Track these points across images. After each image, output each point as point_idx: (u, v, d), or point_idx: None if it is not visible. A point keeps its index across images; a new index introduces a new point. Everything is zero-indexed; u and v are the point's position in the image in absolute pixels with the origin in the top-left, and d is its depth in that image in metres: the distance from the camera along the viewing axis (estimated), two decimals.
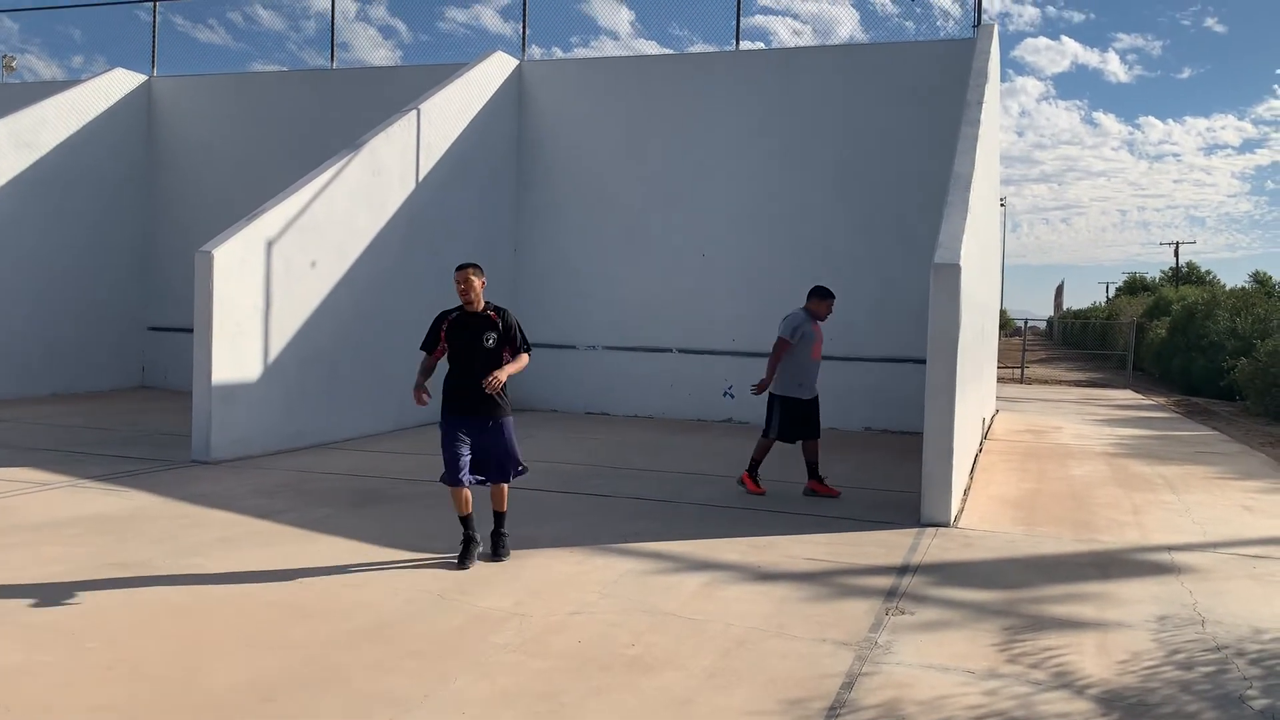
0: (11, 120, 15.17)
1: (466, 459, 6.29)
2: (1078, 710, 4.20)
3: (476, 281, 6.41)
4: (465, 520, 6.39)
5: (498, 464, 6.45)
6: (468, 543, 6.34)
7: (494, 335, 6.37)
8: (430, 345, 6.60)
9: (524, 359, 6.45)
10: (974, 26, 13.85)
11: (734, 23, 15.12)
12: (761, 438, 9.04)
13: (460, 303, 6.52)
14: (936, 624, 5.35)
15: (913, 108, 13.98)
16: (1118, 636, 5.19)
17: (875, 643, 4.99)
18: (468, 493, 6.36)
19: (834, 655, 4.81)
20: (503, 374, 6.24)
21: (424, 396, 6.50)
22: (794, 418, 8.89)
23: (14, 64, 20.81)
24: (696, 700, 4.24)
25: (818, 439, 9.02)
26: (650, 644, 4.90)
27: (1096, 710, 4.21)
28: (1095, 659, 4.84)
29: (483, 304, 6.52)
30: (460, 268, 6.45)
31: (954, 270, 7.75)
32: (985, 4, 13.80)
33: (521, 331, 6.52)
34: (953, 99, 12.72)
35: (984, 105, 10.70)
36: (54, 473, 9.06)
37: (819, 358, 9.03)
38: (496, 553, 6.45)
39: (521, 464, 6.59)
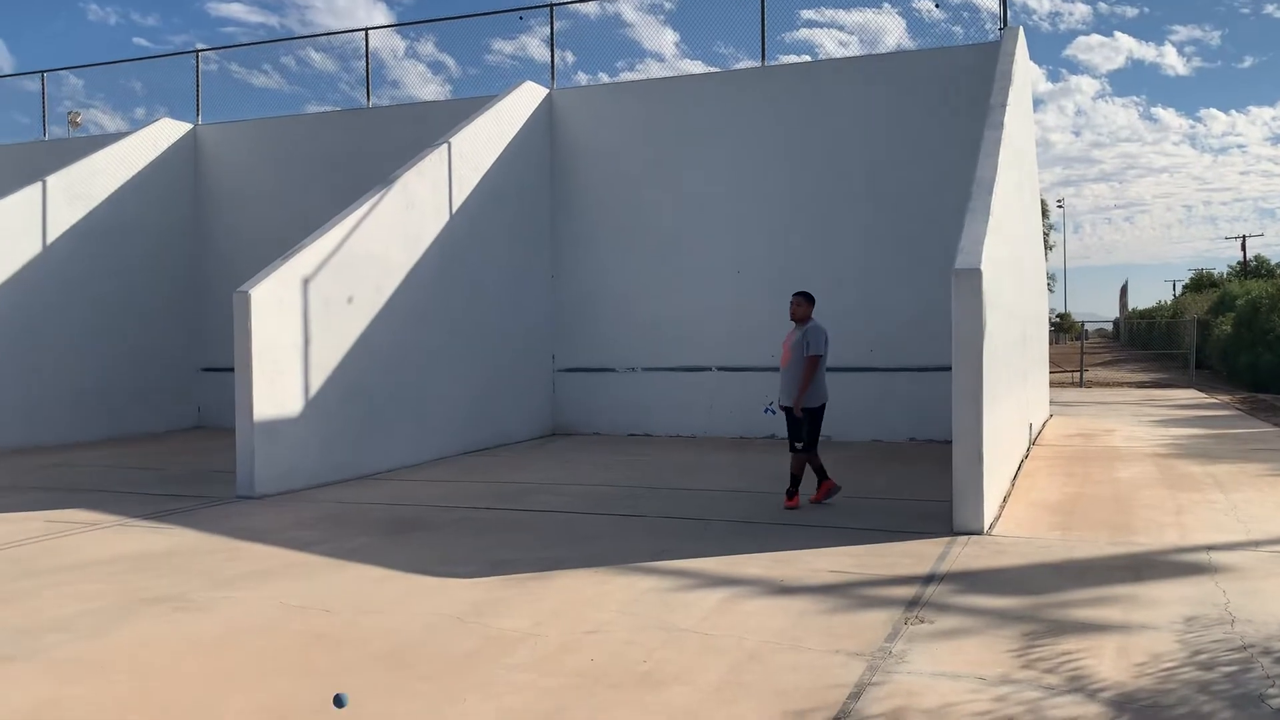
0: (65, 174, 15.75)
1: None
2: (1087, 714, 4.13)
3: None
4: None
5: None
6: None
7: None
8: None
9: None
10: (1000, 30, 13.74)
11: (771, 39, 15.31)
12: (793, 451, 9.04)
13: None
14: (955, 631, 5.30)
15: (944, 114, 13.91)
16: (1140, 639, 5.09)
17: (889, 652, 4.96)
18: None
19: (845, 666, 4.78)
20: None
21: None
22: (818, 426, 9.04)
23: (79, 119, 21.53)
24: (701, 714, 4.25)
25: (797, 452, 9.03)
26: (662, 660, 4.92)
27: (1106, 714, 4.13)
28: (1113, 662, 4.75)
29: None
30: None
31: (975, 275, 7.69)
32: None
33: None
34: (982, 103, 12.61)
35: (1008, 108, 10.61)
36: (103, 513, 9.33)
37: (784, 364, 9.08)
38: None
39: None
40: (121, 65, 21.02)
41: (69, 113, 21.55)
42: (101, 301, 16.12)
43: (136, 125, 18.90)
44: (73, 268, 15.68)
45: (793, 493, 8.96)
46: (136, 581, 6.74)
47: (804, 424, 8.90)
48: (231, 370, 10.35)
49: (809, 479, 9.22)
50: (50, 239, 15.40)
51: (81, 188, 15.95)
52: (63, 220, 15.61)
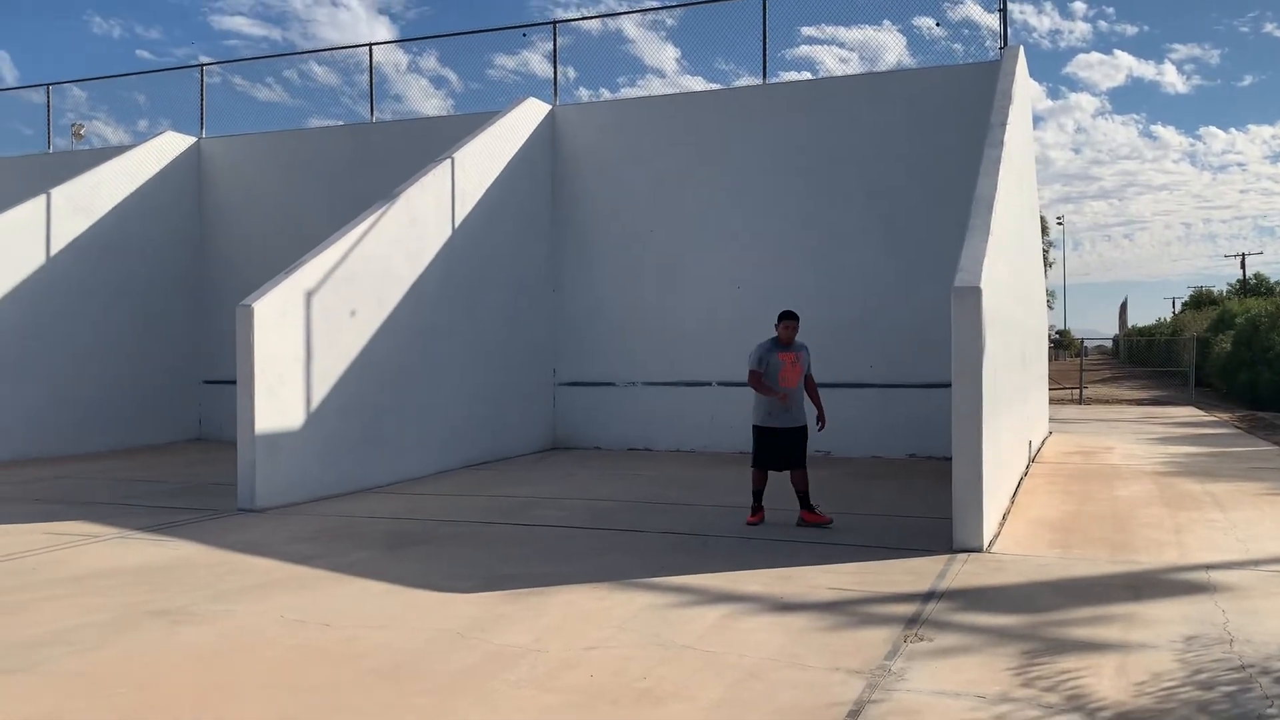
0: (68, 186, 15.81)
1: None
2: None
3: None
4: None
5: None
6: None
7: None
8: None
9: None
10: (1000, 48, 13.82)
11: (768, 55, 15.30)
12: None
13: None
14: (954, 649, 5.31)
15: (944, 132, 13.97)
16: (1140, 658, 5.11)
17: (889, 670, 4.96)
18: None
19: (845, 684, 4.79)
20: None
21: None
22: (766, 446, 8.95)
23: (83, 131, 21.58)
24: None
25: (801, 469, 8.96)
26: (661, 677, 4.93)
27: None
28: (1113, 681, 4.76)
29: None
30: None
31: (975, 293, 7.72)
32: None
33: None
34: (982, 121, 12.67)
35: (1008, 126, 10.67)
36: (104, 525, 9.34)
37: (792, 385, 8.95)
38: None
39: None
40: (125, 78, 21.13)
41: (73, 125, 21.61)
42: (104, 314, 16.16)
43: (140, 137, 19.01)
44: (76, 280, 15.72)
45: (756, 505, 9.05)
46: (138, 594, 6.75)
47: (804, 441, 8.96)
48: (233, 383, 10.38)
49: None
50: (54, 251, 15.45)
51: (85, 200, 16.01)
52: (66, 233, 15.66)
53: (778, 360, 8.93)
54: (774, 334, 9.12)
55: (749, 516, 9.02)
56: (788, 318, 9.09)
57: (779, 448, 8.94)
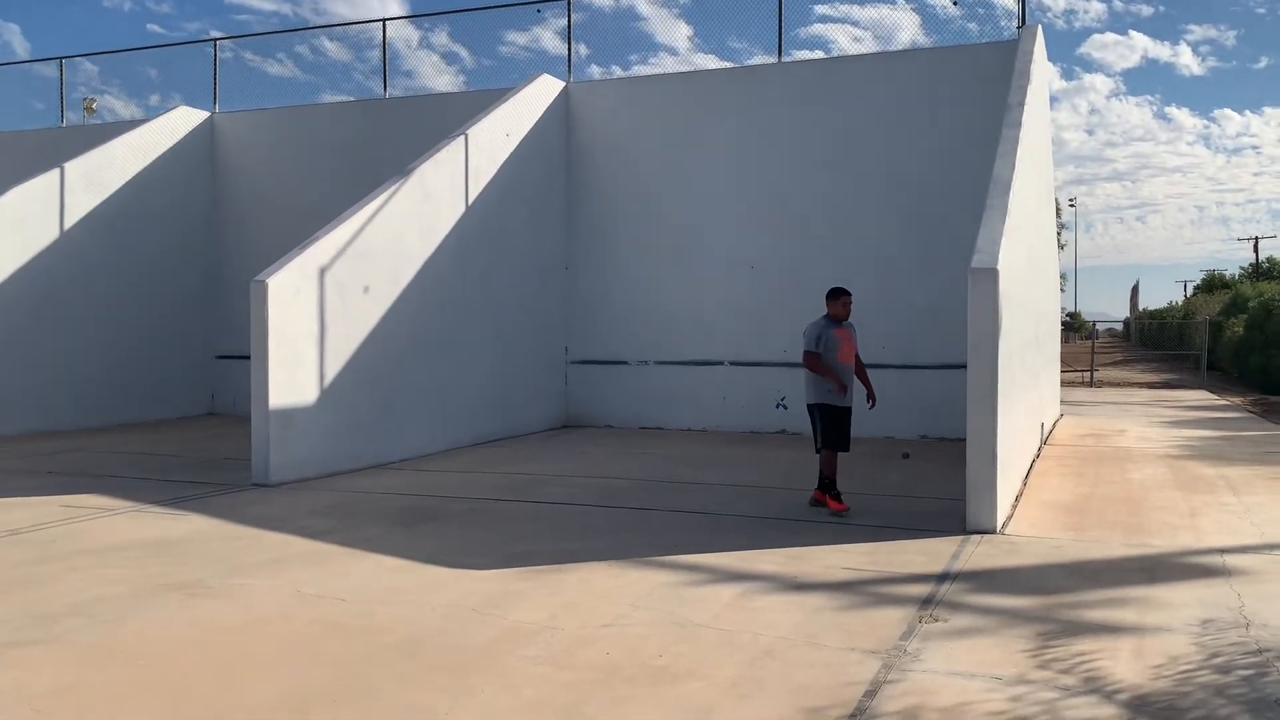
0: (82, 160, 15.81)
1: None
2: (1104, 715, 4.15)
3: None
4: None
5: None
6: None
7: None
8: None
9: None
10: (1018, 27, 13.70)
11: (783, 33, 15.20)
12: (816, 453, 8.72)
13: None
14: (970, 630, 5.31)
15: (960, 112, 13.87)
16: (1156, 641, 5.10)
17: (904, 650, 4.97)
18: None
19: (861, 664, 4.80)
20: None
21: None
22: (839, 425, 8.61)
23: (94, 105, 21.56)
24: (717, 709, 4.28)
25: (837, 452, 8.62)
26: (678, 655, 4.95)
27: (1124, 715, 4.15)
28: (1129, 664, 4.76)
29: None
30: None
31: (992, 274, 7.69)
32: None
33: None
34: (999, 101, 12.58)
35: (1026, 107, 10.59)
36: (119, 498, 9.39)
37: (849, 361, 8.71)
38: None
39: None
40: (136, 52, 21.09)
41: (84, 99, 21.58)
42: (117, 288, 16.19)
43: (151, 112, 18.98)
44: (89, 254, 15.75)
45: (833, 494, 8.62)
46: (154, 567, 6.79)
47: (811, 419, 8.78)
48: (246, 358, 10.40)
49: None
50: (67, 225, 15.47)
51: (98, 174, 16.02)
52: (80, 207, 15.68)
53: (834, 337, 8.58)
54: (824, 312, 8.76)
55: (834, 504, 8.47)
56: (844, 293, 8.75)
57: (848, 426, 8.63)
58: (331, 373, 10.98)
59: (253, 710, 4.31)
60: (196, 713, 4.30)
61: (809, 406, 8.72)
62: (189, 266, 17.67)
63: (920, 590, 6.11)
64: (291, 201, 17.32)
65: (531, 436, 14.41)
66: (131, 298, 16.44)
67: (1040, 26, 13.18)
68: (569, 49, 16.12)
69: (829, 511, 8.48)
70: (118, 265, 16.22)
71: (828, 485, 8.60)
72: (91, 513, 8.72)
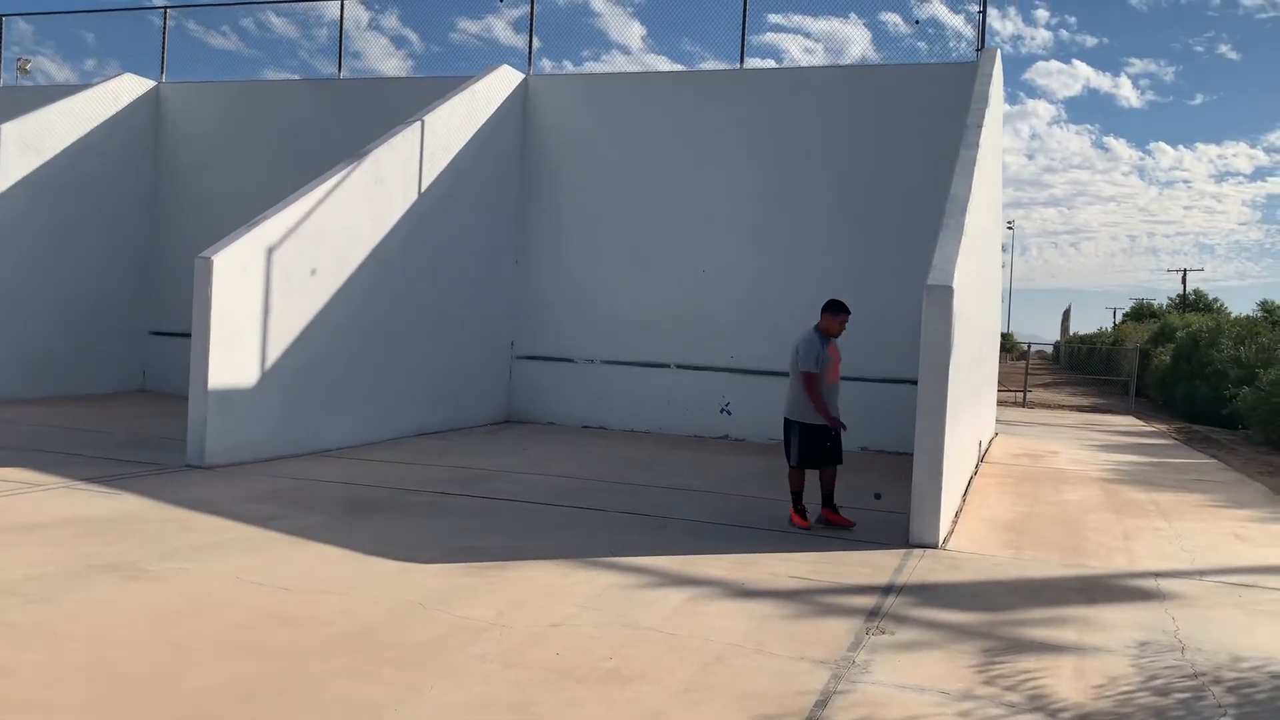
0: (19, 123, 15.30)
1: None
2: None
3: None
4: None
5: None
6: None
7: None
8: None
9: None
10: (977, 50, 13.91)
11: (742, 41, 15.23)
12: (790, 468, 8.62)
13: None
14: (916, 644, 5.36)
15: (916, 129, 14.03)
16: (1096, 661, 5.20)
17: (853, 662, 5.00)
18: None
19: (810, 673, 4.82)
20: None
21: None
22: (819, 446, 8.45)
23: (29, 67, 20.89)
24: (669, 714, 4.26)
25: (835, 466, 8.58)
26: (628, 657, 4.92)
27: None
28: (1072, 683, 4.84)
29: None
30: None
31: (947, 292, 7.78)
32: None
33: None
34: (956, 122, 12.76)
35: (984, 129, 10.75)
36: (47, 474, 9.10)
37: (836, 380, 8.52)
38: None
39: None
40: (74, 15, 20.43)
41: (18, 60, 20.92)
42: (51, 257, 15.68)
43: (86, 77, 18.47)
44: (23, 219, 15.23)
45: (798, 509, 8.54)
46: (85, 547, 6.58)
47: (786, 433, 8.63)
48: (182, 335, 10.17)
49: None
50: (2, 189, 14.95)
51: (36, 139, 15.51)
52: (15, 171, 15.17)
53: (828, 356, 8.35)
54: (815, 325, 8.49)
55: (797, 518, 8.42)
56: (845, 311, 8.50)
57: (830, 445, 8.46)
58: (274, 355, 10.76)
59: (195, 698, 4.19)
60: (136, 700, 4.17)
61: (788, 420, 8.52)
62: (126, 239, 17.19)
63: (866, 602, 6.15)
64: (236, 177, 16.95)
65: (474, 430, 14.27)
66: (65, 266, 15.95)
67: (999, 51, 13.40)
68: (530, 40, 16.00)
69: (790, 522, 8.47)
70: (51, 232, 15.72)
71: (809, 498, 8.52)
72: (18, 487, 8.43)
